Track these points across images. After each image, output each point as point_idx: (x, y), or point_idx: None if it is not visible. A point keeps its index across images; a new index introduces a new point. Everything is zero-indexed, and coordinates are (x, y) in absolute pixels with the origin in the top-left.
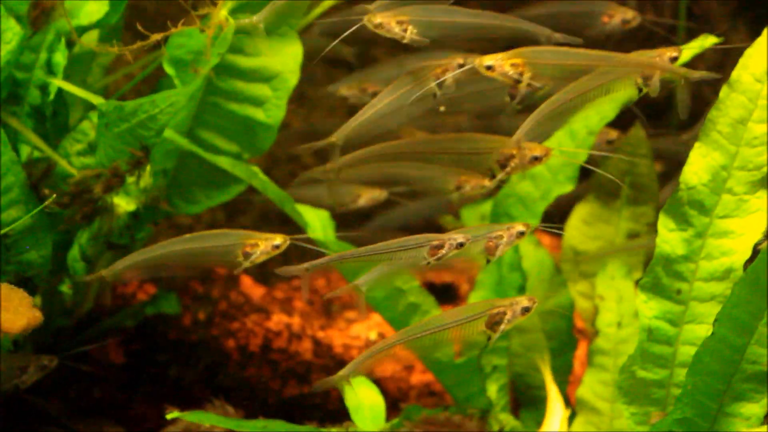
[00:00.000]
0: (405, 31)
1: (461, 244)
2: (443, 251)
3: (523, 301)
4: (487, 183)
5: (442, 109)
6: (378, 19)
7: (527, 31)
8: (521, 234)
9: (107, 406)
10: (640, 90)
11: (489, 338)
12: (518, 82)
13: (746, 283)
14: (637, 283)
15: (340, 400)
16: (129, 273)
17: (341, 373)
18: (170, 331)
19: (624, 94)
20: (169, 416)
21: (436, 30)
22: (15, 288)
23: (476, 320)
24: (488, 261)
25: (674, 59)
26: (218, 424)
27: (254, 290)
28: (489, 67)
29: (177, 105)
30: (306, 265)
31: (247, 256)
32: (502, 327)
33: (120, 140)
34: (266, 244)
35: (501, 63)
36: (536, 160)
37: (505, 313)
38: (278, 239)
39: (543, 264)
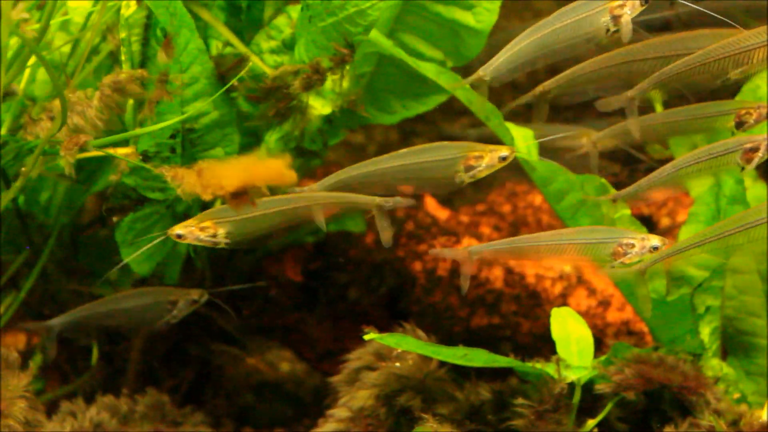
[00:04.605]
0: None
1: None
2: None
3: None
4: None
5: None
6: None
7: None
8: None
9: (279, 325)
10: None
11: None
12: (216, 243)
13: None
14: None
15: (531, 334)
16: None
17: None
18: (352, 250)
19: None
20: (366, 337)
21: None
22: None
23: None
24: None
25: None
26: (414, 350)
27: (439, 212)
28: (179, 236)
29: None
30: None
31: (469, 169)
32: None
33: (324, 35)
34: (492, 156)
35: (191, 229)
36: None
37: None
38: (504, 150)
39: (760, 200)
